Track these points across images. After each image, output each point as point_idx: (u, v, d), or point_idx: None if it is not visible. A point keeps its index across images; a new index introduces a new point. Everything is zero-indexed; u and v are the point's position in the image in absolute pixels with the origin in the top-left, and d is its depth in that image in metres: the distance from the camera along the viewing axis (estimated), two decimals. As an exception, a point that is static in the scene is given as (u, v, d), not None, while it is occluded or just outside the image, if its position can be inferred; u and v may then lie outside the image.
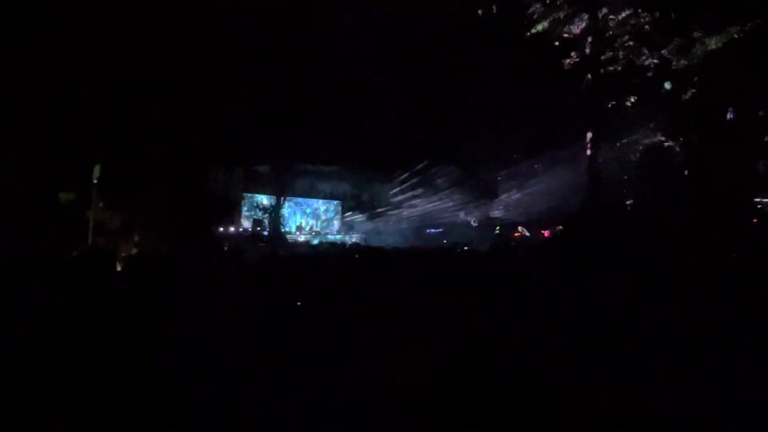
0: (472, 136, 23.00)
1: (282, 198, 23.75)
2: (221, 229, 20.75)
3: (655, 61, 9.78)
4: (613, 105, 12.32)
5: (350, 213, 27.09)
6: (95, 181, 11.42)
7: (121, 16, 13.03)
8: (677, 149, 10.84)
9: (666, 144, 11.17)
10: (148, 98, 13.84)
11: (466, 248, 15.36)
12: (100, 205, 12.08)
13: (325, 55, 19.86)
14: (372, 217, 26.36)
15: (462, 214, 25.64)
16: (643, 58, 10.37)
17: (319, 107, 21.01)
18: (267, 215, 23.37)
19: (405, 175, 25.32)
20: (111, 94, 12.97)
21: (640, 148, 13.67)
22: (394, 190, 25.79)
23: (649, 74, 10.30)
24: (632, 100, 12.02)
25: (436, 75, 20.32)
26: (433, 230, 24.89)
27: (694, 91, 8.09)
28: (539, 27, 11.04)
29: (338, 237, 24.05)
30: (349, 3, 15.27)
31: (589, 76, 12.32)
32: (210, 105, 16.80)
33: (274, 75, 19.35)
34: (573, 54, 11.88)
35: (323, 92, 20.62)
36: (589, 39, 11.93)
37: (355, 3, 15.38)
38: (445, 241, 21.38)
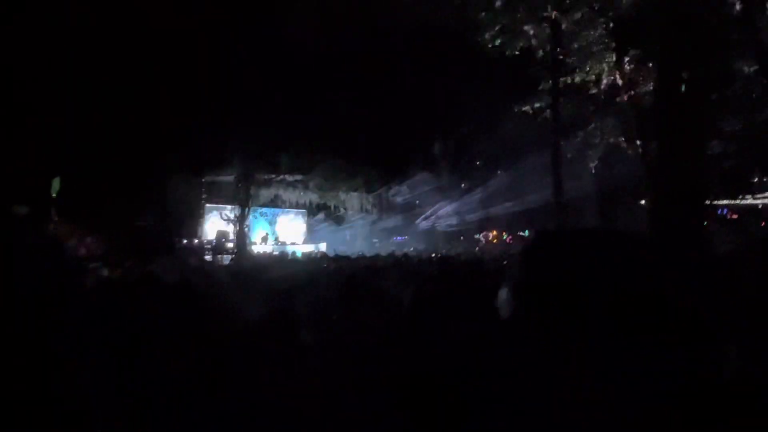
0: (438, 145, 23.33)
1: (246, 208, 23.46)
2: (185, 241, 20.36)
3: (613, 66, 10.23)
4: (573, 110, 12.75)
5: (316, 222, 27.00)
6: (54, 195, 11.05)
7: (79, 27, 12.73)
8: (636, 151, 11.32)
9: (625, 146, 11.67)
10: (109, 108, 13.52)
11: (433, 255, 15.52)
12: (59, 219, 11.68)
13: (289, 64, 19.81)
14: (338, 226, 26.33)
15: (428, 222, 25.90)
16: (603, 64, 10.78)
17: (283, 116, 20.91)
18: (231, 226, 23.03)
19: (371, 184, 25.42)
20: (70, 103, 12.61)
21: (601, 151, 14.19)
22: (361, 199, 25.84)
23: (609, 79, 10.74)
24: (591, 108, 12.48)
25: (403, 83, 20.53)
26: (399, 238, 25.06)
27: (651, 95, 8.47)
28: (498, 41, 11.31)
29: (300, 248, 23.88)
30: (315, 16, 15.34)
31: (550, 83, 12.68)
32: (171, 115, 16.53)
33: (236, 84, 19.17)
34: (534, 62, 12.24)
35: (287, 101, 20.55)
36: (548, 48, 12.28)
37: (321, 16, 15.45)
38: (411, 249, 21.55)
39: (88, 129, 13.37)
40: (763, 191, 19.86)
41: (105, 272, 6.68)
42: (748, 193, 19.59)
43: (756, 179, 19.59)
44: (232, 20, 17.15)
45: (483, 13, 10.93)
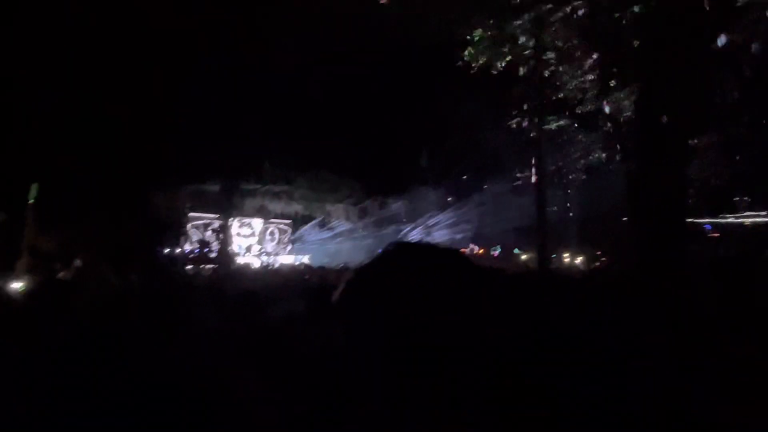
0: (425, 158, 23.39)
1: (230, 218, 23.28)
2: (166, 250, 20.10)
3: (594, 83, 10.33)
4: (555, 127, 12.86)
5: (301, 234, 26.85)
6: (31, 201, 10.84)
7: (63, 33, 12.62)
8: (619, 169, 11.42)
9: (606, 164, 11.81)
10: (89, 111, 13.34)
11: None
12: (36, 226, 11.44)
13: (276, 75, 19.79)
14: (323, 237, 26.21)
15: (415, 235, 25.86)
16: (584, 81, 10.88)
17: (269, 126, 20.85)
18: (214, 236, 22.82)
19: (357, 196, 25.40)
20: (48, 106, 12.42)
21: (583, 167, 14.32)
22: (347, 211, 25.78)
23: (590, 96, 10.83)
24: (575, 125, 12.60)
25: (389, 97, 20.59)
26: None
27: (632, 113, 8.58)
28: (481, 58, 11.38)
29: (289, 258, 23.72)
30: (303, 29, 15.38)
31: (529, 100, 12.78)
32: (154, 121, 16.37)
33: (222, 91, 19.10)
34: (516, 78, 12.33)
35: (272, 110, 20.50)
36: (531, 64, 12.41)
37: (309, 28, 15.49)
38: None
39: (69, 135, 13.20)
40: (744, 210, 20.13)
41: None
42: (730, 212, 19.86)
43: (737, 198, 19.88)
44: (219, 29, 17.11)
45: (467, 30, 11.02)
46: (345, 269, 12.57)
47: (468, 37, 11.24)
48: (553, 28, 11.10)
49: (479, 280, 0.79)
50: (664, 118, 7.58)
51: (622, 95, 9.47)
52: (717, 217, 19.29)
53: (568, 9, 10.29)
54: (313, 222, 26.60)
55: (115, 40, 13.69)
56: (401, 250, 0.85)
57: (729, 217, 20.05)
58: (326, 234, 26.41)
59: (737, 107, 11.07)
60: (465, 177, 25.27)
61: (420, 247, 0.85)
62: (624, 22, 8.45)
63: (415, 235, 25.99)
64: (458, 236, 25.11)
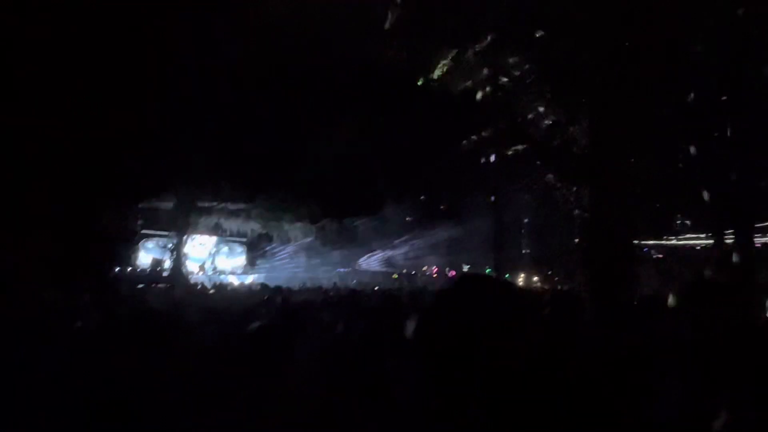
0: (382, 180, 23.53)
1: (184, 236, 22.72)
2: (117, 269, 19.44)
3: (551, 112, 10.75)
4: (513, 153, 13.24)
5: (257, 252, 26.48)
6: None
7: (21, 39, 12.21)
8: (569, 194, 11.86)
9: (560, 189, 12.21)
10: (32, 120, 12.83)
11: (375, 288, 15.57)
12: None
13: (233, 91, 19.62)
14: (280, 256, 25.93)
15: (373, 255, 25.94)
16: (541, 110, 11.29)
17: (225, 142, 20.58)
18: (168, 254, 22.23)
19: (315, 215, 25.27)
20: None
21: (538, 193, 14.79)
22: (304, 230, 25.60)
23: (546, 124, 11.23)
24: (529, 149, 12.99)
25: (347, 117, 20.73)
26: (342, 270, 24.92)
27: (586, 141, 8.98)
28: (437, 76, 11.69)
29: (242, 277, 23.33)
30: (262, 46, 15.39)
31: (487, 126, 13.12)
32: (104, 133, 15.87)
33: (178, 106, 18.74)
34: (473, 104, 12.66)
35: (229, 126, 20.25)
36: (488, 90, 12.78)
37: (267, 46, 15.51)
38: (354, 281, 21.52)
39: (12, 145, 12.66)
40: (685, 233, 21.17)
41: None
42: (672, 234, 20.88)
43: (678, 221, 20.92)
44: (173, 41, 16.88)
45: (426, 52, 11.31)
46: (306, 289, 12.51)
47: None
48: (510, 56, 11.51)
49: (533, 303, 0.91)
50: (614, 147, 8.00)
51: (575, 126, 9.90)
52: (660, 239, 20.24)
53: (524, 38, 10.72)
54: (270, 242, 26.30)
55: (68, 50, 13.31)
56: (472, 281, 0.95)
57: (672, 239, 21.06)
58: (282, 254, 26.15)
59: (681, 136, 11.73)
60: (422, 197, 25.59)
61: (486, 279, 0.96)
62: (578, 54, 8.89)
63: (374, 256, 26.07)
64: (416, 257, 25.35)
